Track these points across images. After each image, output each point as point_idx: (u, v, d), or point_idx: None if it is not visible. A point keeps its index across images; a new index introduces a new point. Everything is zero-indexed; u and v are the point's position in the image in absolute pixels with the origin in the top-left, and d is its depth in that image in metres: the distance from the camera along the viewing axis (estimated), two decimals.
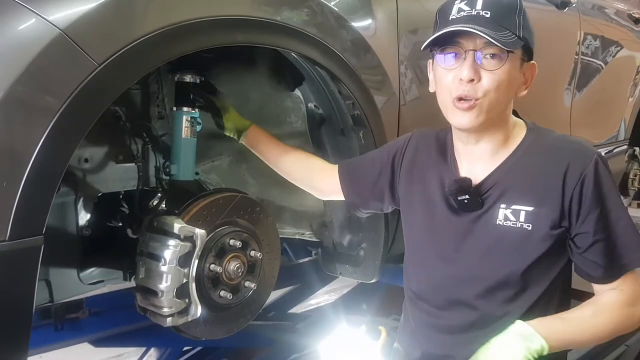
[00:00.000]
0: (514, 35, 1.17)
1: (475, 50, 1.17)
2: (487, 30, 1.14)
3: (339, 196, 1.62)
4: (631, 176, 3.83)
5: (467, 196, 1.27)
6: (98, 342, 2.26)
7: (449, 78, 1.21)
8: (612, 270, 1.25)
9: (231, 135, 1.64)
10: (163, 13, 1.16)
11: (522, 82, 1.26)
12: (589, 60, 3.04)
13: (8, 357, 1.03)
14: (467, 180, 1.29)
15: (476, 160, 1.32)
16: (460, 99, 1.20)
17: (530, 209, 1.23)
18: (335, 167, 1.62)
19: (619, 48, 3.33)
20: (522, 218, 1.23)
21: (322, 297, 3.97)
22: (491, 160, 1.30)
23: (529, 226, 1.23)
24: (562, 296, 1.33)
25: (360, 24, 1.64)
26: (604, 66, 3.20)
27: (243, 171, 1.87)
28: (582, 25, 2.93)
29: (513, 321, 1.22)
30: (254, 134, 1.64)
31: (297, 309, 3.22)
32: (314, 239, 2.02)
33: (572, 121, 2.97)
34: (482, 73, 1.18)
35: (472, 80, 1.18)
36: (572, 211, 1.21)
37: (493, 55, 1.17)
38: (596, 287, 1.29)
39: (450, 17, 1.20)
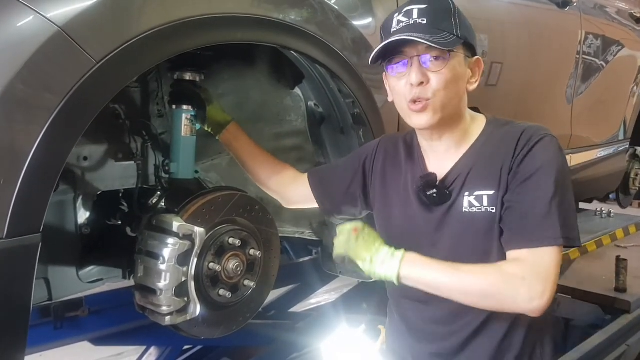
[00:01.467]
0: (452, 35, 1.25)
1: (419, 56, 1.26)
2: (425, 35, 1.22)
3: (306, 205, 1.66)
4: (632, 176, 3.84)
5: (434, 190, 1.33)
6: (98, 341, 2.26)
7: (402, 84, 1.29)
8: (518, 236, 1.23)
9: (210, 130, 1.63)
10: (162, 10, 1.16)
11: (470, 77, 1.33)
12: (590, 60, 3.03)
13: (6, 355, 1.03)
14: (432, 175, 1.36)
15: (442, 155, 1.38)
16: (414, 101, 1.28)
17: (491, 192, 1.29)
18: (305, 177, 1.64)
19: (620, 47, 3.32)
20: (485, 202, 1.29)
21: (322, 297, 3.98)
22: (455, 153, 1.36)
23: (492, 209, 1.28)
24: None
25: (360, 22, 1.64)
26: (605, 66, 3.20)
27: (242, 170, 1.86)
28: (583, 25, 2.93)
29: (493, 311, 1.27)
30: (233, 131, 1.63)
31: (297, 308, 3.22)
32: (314, 238, 2.02)
33: (573, 120, 2.97)
34: (430, 75, 1.26)
35: (422, 83, 1.26)
36: (510, 179, 1.27)
37: (437, 58, 1.25)
38: (508, 256, 1.27)
39: (392, 30, 1.28)
